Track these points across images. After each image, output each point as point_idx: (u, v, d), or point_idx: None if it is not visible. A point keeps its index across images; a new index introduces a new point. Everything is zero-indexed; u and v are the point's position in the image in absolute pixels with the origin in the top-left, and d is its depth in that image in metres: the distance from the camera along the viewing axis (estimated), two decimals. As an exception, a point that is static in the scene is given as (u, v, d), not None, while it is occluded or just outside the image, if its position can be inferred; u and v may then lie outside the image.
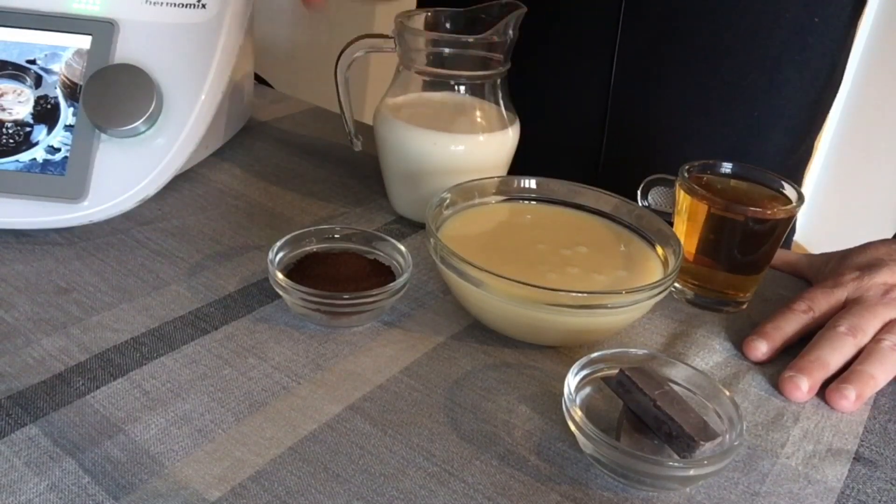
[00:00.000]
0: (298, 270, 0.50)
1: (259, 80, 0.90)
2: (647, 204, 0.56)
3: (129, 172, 0.53)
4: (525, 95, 0.61)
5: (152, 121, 0.54)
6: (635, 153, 0.73)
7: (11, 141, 0.53)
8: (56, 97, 0.54)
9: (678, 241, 0.50)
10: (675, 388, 0.41)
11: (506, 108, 0.59)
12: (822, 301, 0.51)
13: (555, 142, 0.75)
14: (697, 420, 0.38)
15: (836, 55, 0.72)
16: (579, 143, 0.75)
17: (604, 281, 0.48)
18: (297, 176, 0.68)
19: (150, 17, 0.56)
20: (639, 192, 0.56)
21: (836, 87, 0.76)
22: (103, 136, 0.53)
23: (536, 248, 0.51)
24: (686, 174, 0.53)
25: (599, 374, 0.42)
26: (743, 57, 0.68)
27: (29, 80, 0.54)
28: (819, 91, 0.73)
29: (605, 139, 0.73)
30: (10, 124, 0.53)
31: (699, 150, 0.69)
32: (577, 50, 0.52)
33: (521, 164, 0.62)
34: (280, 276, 0.47)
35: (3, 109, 0.54)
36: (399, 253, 0.51)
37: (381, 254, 0.52)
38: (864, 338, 0.48)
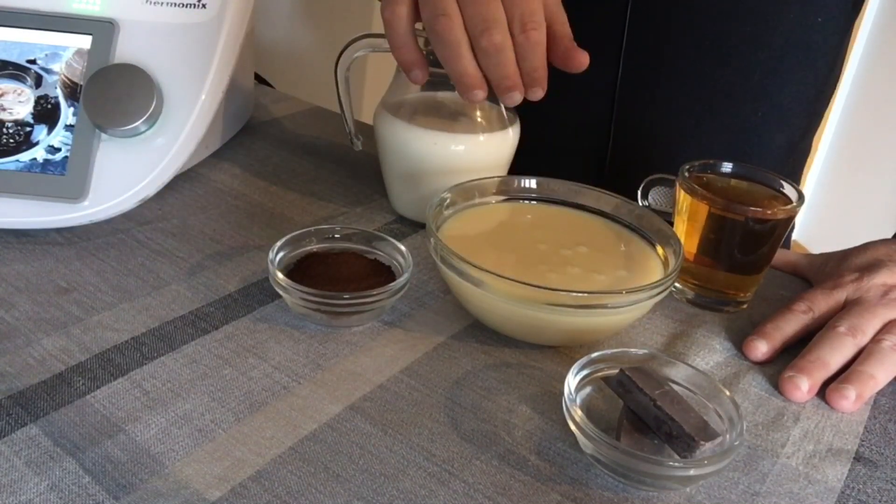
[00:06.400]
0: (298, 270, 0.50)
1: (259, 80, 0.90)
2: (647, 204, 0.56)
3: (129, 172, 0.53)
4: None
5: (152, 121, 0.54)
6: (641, 154, 0.73)
7: (12, 141, 0.53)
8: (56, 97, 0.54)
9: (678, 240, 0.50)
10: (675, 387, 0.41)
11: (506, 108, 0.59)
12: (822, 302, 0.51)
13: (561, 144, 0.75)
14: (697, 420, 0.38)
15: (836, 52, 0.73)
16: (586, 145, 0.75)
17: (604, 281, 0.48)
18: (297, 176, 0.68)
19: (150, 17, 0.56)
20: (639, 192, 0.56)
21: (834, 84, 0.76)
22: (103, 136, 0.53)
23: (537, 247, 0.51)
24: (686, 174, 0.53)
25: (599, 374, 0.42)
26: (747, 57, 0.68)
27: (29, 80, 0.54)
28: (819, 88, 0.73)
29: (612, 141, 0.73)
30: (10, 124, 0.53)
31: (702, 149, 0.69)
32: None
33: (527, 166, 0.61)
34: (280, 275, 0.47)
35: (4, 109, 0.54)
36: (399, 253, 0.51)
37: (381, 254, 0.52)
38: (863, 338, 0.48)
